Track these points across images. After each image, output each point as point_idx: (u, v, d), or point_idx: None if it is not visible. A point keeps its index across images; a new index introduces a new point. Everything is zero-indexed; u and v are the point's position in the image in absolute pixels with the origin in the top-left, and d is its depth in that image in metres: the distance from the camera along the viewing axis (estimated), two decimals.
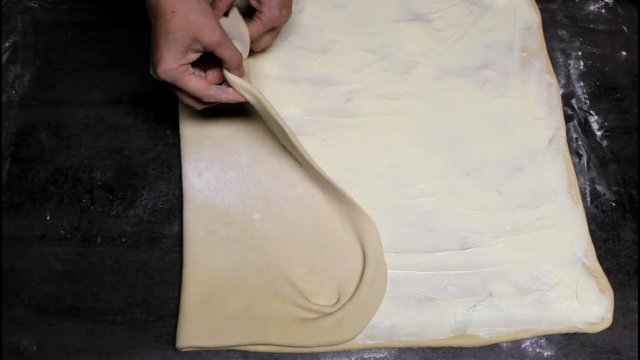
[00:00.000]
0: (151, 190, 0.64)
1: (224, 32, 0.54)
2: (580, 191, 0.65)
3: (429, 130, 0.67)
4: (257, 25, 0.60)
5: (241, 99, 0.58)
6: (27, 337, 0.57)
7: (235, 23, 0.59)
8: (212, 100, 0.57)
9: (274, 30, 0.63)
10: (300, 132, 0.64)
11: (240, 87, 0.57)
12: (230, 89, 0.57)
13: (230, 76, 0.56)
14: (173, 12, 0.52)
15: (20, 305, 0.59)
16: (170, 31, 0.52)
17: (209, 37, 0.53)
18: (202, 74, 0.57)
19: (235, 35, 0.58)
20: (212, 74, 0.57)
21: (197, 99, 0.57)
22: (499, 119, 0.68)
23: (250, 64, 0.68)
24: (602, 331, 0.58)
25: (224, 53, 0.54)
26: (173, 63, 0.53)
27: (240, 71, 0.57)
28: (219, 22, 0.54)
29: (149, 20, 0.55)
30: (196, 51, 0.54)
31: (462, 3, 0.75)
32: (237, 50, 0.56)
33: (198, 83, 0.55)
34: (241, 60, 0.57)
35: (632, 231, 0.63)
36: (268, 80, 0.69)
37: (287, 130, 0.58)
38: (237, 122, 0.66)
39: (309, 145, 0.61)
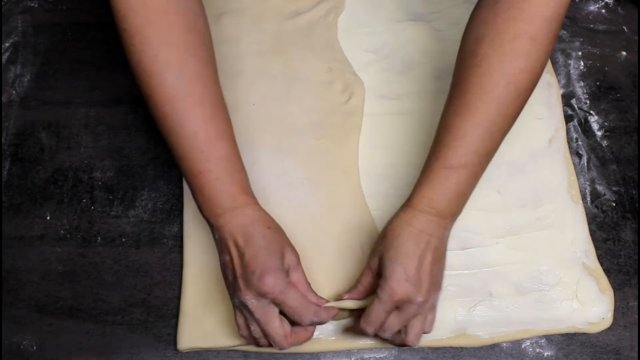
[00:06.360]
0: (151, 190, 0.64)
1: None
2: (580, 191, 0.65)
3: (429, 130, 0.67)
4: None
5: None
6: (27, 337, 0.57)
7: None
8: (314, 319, 0.49)
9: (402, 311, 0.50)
10: None
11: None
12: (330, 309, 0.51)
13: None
14: (268, 227, 0.50)
15: (20, 305, 0.59)
16: (269, 242, 0.49)
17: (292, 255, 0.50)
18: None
19: None
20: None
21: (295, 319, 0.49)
22: None
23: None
24: (602, 331, 0.58)
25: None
26: (279, 273, 0.47)
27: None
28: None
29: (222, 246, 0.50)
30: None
31: (462, 3, 0.75)
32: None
33: (300, 296, 0.48)
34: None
35: (632, 231, 0.63)
36: None
37: None
38: (241, 122, 0.65)
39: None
